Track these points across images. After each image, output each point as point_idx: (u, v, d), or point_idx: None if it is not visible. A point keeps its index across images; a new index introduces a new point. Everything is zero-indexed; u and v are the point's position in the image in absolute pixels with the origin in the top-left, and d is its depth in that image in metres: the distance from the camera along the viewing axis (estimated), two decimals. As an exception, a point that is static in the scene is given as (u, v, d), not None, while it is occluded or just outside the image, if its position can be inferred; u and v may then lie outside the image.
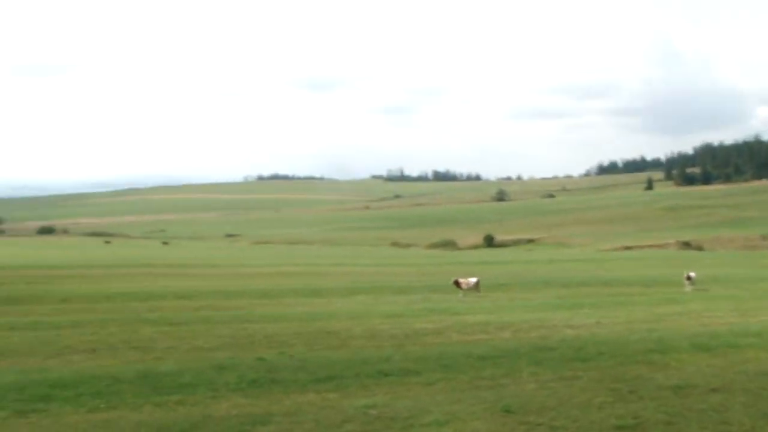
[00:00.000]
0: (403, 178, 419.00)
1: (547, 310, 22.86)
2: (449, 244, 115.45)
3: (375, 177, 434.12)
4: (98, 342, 16.07)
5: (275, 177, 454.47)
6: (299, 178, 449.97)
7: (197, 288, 33.54)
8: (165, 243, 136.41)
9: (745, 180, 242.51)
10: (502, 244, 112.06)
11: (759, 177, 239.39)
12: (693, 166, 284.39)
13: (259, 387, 11.00)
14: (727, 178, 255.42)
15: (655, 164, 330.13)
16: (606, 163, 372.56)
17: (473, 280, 30.12)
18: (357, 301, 27.60)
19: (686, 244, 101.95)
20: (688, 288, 31.40)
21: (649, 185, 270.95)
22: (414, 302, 26.69)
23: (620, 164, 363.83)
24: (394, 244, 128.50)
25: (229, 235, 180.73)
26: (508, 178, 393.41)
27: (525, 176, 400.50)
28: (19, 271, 45.63)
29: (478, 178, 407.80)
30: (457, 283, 29.68)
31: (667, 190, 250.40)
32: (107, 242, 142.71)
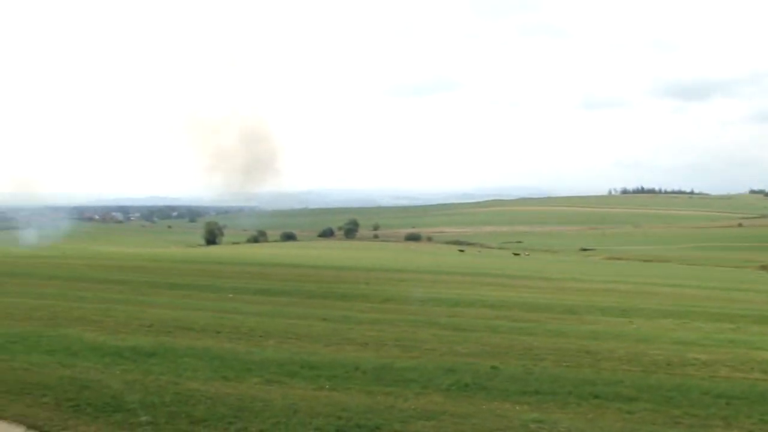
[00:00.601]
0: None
1: None
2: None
3: (754, 192, 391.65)
4: (375, 338, 18.47)
5: (640, 191, 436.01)
6: (666, 192, 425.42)
7: (509, 299, 34.87)
8: (516, 254, 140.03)
9: None
10: None
11: None
12: None
13: (465, 391, 12.05)
14: None
15: None
16: None
17: (803, 313, 26.72)
18: (657, 325, 26.43)
19: None
20: None
21: None
22: (720, 331, 24.73)
23: None
24: (764, 267, 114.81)
25: (584, 249, 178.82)
26: None
27: None
28: (368, 273, 51.87)
29: None
30: (786, 315, 26.69)
31: None
32: (461, 251, 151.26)
